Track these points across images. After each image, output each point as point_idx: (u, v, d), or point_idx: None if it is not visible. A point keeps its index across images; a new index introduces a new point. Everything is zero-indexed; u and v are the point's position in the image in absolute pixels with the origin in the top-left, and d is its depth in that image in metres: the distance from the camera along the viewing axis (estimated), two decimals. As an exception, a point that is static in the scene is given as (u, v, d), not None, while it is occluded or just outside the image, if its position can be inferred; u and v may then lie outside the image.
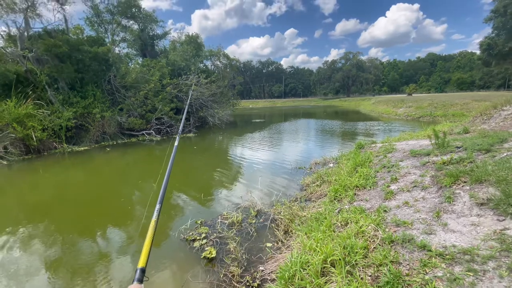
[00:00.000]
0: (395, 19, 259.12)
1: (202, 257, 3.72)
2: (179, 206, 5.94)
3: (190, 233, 4.37)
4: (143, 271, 0.79)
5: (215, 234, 4.30)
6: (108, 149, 13.17)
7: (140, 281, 0.74)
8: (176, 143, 2.37)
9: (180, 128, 3.11)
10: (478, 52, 53.39)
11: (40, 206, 6.37)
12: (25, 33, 14.57)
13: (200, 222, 4.81)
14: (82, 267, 3.71)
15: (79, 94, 15.05)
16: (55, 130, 12.86)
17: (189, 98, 5.73)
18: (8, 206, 6.48)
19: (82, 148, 13.19)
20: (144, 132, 16.54)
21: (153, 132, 16.80)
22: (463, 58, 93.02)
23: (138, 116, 16.89)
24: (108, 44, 18.50)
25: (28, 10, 14.58)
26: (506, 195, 2.75)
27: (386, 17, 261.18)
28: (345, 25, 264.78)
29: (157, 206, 1.03)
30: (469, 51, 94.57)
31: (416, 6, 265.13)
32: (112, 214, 5.63)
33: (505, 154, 3.83)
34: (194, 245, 4.03)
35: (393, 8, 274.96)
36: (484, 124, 7.04)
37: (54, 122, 12.77)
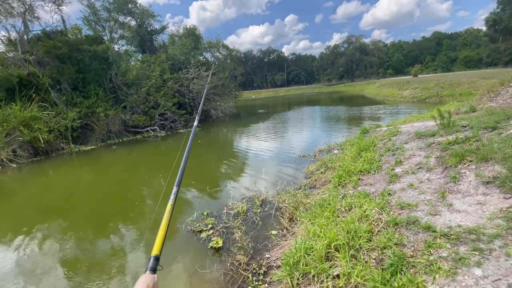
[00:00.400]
0: None
1: (209, 247, 3.79)
2: (186, 198, 6.02)
3: (197, 225, 4.44)
4: (157, 259, 0.71)
5: (221, 224, 4.36)
6: (114, 147, 13.34)
7: (154, 270, 0.65)
8: (195, 123, 2.41)
9: (200, 107, 3.13)
10: (484, 28, 51.56)
11: (54, 205, 6.55)
12: (25, 36, 14.62)
13: (207, 213, 4.87)
14: (97, 260, 3.83)
15: (81, 94, 15.16)
16: (61, 131, 13.05)
17: (206, 87, 5.64)
18: (22, 207, 6.67)
19: (89, 148, 13.40)
20: (148, 128, 16.65)
21: (157, 128, 16.90)
22: (469, 35, 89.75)
23: (142, 113, 16.98)
24: (106, 42, 18.45)
25: (26, 13, 14.57)
26: (513, 172, 2.68)
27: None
28: (346, 8, 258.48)
29: (174, 189, 0.96)
30: (475, 27, 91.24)
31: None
32: (124, 210, 5.75)
33: (511, 131, 3.72)
34: (201, 236, 4.10)
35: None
36: (491, 102, 6.85)
37: (60, 123, 12.95)
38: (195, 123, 2.43)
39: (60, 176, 9.30)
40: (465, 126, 4.73)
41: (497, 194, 2.66)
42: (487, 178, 2.86)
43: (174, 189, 1.00)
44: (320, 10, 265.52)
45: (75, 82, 15.20)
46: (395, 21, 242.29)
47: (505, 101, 6.27)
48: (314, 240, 2.88)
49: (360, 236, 2.66)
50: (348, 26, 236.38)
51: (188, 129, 17.62)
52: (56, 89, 14.34)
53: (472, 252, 2.10)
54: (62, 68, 14.08)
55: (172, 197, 0.96)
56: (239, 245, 3.67)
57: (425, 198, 3.13)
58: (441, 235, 2.38)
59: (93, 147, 13.58)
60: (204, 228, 4.29)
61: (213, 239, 3.94)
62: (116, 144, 13.97)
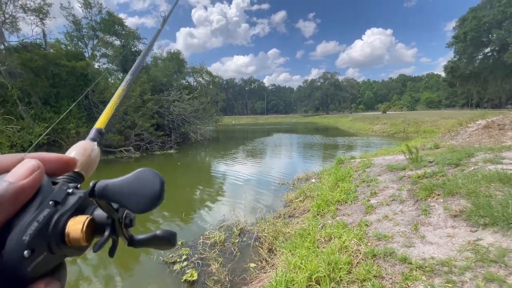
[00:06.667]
0: (371, 42, 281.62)
1: (182, 280, 3.53)
2: (158, 226, 5.67)
3: (170, 255, 4.15)
4: (99, 132, 0.65)
5: (196, 255, 4.12)
6: (82, 166, 12.48)
7: (94, 140, 0.60)
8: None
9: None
10: (443, 74, 58.33)
11: None
12: (1, 46, 13.97)
13: (181, 243, 4.60)
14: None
15: (52, 109, 14.38)
16: (24, 146, 12.06)
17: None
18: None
19: (54, 166, 12.40)
20: (122, 148, 15.94)
21: (132, 148, 16.24)
22: (430, 79, 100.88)
23: (117, 132, 16.33)
24: (87, 59, 18.12)
25: (5, 23, 14.08)
26: (477, 207, 2.91)
27: (362, 40, 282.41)
28: (325, 47, 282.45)
29: (128, 77, 0.85)
30: (435, 73, 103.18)
31: (390, 31, 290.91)
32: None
33: (472, 168, 4.09)
34: (174, 268, 3.82)
35: (368, 32, 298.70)
36: (452, 140, 7.55)
37: (24, 138, 12.00)
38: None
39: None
40: (432, 162, 5.12)
41: (464, 227, 2.84)
42: (455, 212, 3.07)
43: (128, 77, 0.89)
44: (301, 47, 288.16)
45: (48, 97, 14.47)
46: (368, 62, 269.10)
47: (464, 139, 6.94)
48: (294, 272, 2.81)
49: (340, 268, 2.66)
50: (326, 63, 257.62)
51: (164, 151, 17.14)
52: (24, 102, 13.50)
53: (446, 284, 2.18)
54: (35, 81, 13.44)
55: (124, 83, 0.85)
56: (215, 278, 3.47)
57: (399, 229, 3.25)
58: (416, 267, 2.46)
59: (58, 165, 12.60)
60: (178, 259, 4.02)
61: (187, 271, 3.69)
62: (85, 164, 13.09)
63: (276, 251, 3.90)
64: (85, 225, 0.32)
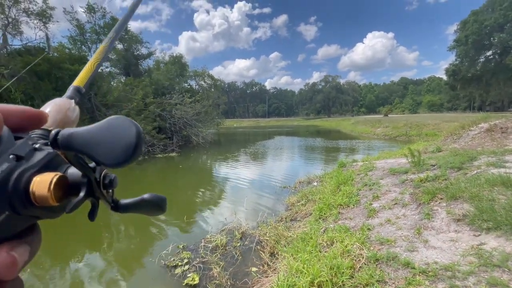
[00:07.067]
0: (372, 45, 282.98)
1: (184, 284, 3.52)
2: (160, 229, 5.66)
3: (172, 259, 4.14)
4: (78, 90, 0.59)
5: (198, 259, 4.10)
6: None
7: (71, 98, 0.55)
8: None
9: None
10: (445, 77, 58.24)
11: None
12: (4, 50, 14.15)
13: (182, 246, 4.59)
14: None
15: (56, 113, 14.52)
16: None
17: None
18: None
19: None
20: (124, 151, 15.98)
21: (134, 151, 16.28)
22: (432, 82, 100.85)
23: (119, 135, 16.40)
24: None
25: (9, 27, 14.28)
26: (480, 211, 2.89)
27: (363, 43, 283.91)
28: (326, 50, 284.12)
29: (112, 34, 0.78)
30: (437, 76, 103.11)
31: (391, 34, 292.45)
32: (81, 239, 5.26)
33: (475, 172, 4.07)
34: (176, 272, 3.81)
35: (369, 35, 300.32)
36: (455, 143, 7.51)
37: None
38: None
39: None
40: (434, 165, 5.10)
41: (467, 232, 2.82)
42: (458, 216, 3.05)
43: (112, 34, 0.77)
44: (302, 51, 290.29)
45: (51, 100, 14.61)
46: (369, 65, 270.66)
47: (467, 143, 6.91)
48: (296, 276, 2.80)
49: (343, 273, 2.64)
50: (327, 66, 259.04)
51: (166, 154, 17.20)
52: (27, 106, 13.63)
53: (450, 290, 2.16)
54: (39, 84, 13.57)
55: (106, 40, 0.76)
56: (217, 282, 3.45)
57: (402, 234, 3.23)
58: (419, 272, 2.44)
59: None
60: (180, 263, 4.01)
61: (188, 275, 3.68)
62: (87, 167, 13.14)
63: (278, 255, 3.89)
64: (53, 182, 0.28)
